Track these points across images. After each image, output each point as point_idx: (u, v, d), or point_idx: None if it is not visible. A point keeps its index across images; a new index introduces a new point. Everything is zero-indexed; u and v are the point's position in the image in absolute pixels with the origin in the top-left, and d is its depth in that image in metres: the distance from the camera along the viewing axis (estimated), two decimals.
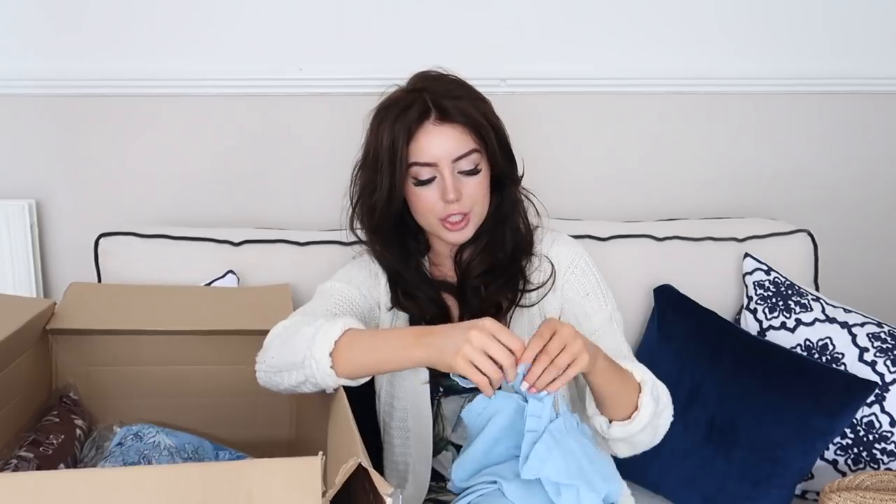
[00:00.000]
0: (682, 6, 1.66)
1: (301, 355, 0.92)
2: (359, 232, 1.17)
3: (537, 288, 1.14)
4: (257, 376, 1.01)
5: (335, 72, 1.61)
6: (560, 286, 1.15)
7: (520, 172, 1.15)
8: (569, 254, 1.17)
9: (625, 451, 1.03)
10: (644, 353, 1.47)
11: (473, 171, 1.07)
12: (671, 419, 1.04)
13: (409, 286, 1.15)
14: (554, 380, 0.86)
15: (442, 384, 1.16)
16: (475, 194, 1.07)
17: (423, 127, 1.05)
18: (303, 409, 1.21)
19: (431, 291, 1.15)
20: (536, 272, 1.15)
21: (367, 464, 0.65)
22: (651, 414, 0.97)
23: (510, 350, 0.84)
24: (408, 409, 1.16)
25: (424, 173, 1.06)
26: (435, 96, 1.05)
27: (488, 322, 0.85)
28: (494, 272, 1.13)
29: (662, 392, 1.02)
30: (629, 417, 0.97)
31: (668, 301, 1.47)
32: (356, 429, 0.76)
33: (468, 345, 0.83)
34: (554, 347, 0.86)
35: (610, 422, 0.99)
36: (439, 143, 1.04)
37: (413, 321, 1.16)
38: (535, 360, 0.86)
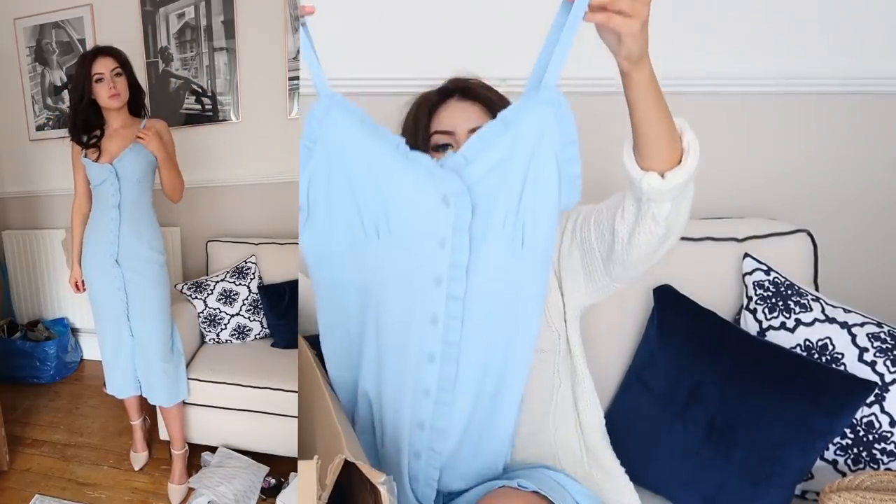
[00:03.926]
0: (679, 7, 1.66)
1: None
2: None
3: None
4: None
5: None
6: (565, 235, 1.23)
7: None
8: None
9: (663, 224, 1.04)
10: (644, 353, 1.47)
11: None
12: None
13: None
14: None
15: None
16: None
17: (445, 104, 1.18)
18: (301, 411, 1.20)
19: None
20: None
21: (352, 458, 0.65)
22: (697, 158, 0.96)
23: None
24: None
25: (441, 139, 1.16)
26: (459, 84, 1.18)
27: None
28: None
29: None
30: (679, 162, 0.97)
31: (668, 301, 1.47)
32: (340, 425, 0.76)
33: None
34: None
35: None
36: (457, 115, 1.16)
37: None
38: None
